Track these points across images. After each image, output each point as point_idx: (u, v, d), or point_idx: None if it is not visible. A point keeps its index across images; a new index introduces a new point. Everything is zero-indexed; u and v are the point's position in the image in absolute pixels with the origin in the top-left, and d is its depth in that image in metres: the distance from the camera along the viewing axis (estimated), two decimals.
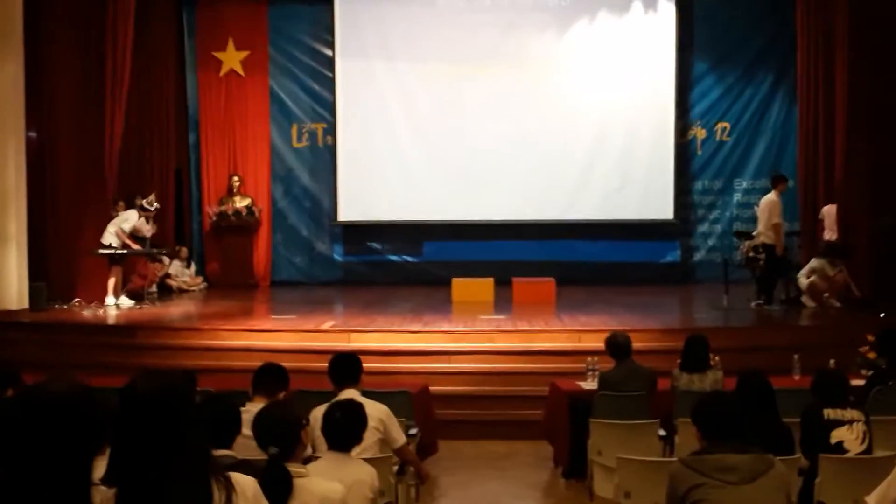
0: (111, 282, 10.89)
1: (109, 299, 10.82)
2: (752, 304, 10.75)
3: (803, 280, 10.68)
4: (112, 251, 10.81)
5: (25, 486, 1.87)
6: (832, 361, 6.41)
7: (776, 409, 4.61)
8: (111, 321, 9.97)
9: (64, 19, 11.22)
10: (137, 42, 11.51)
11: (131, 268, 11.47)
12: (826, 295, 10.60)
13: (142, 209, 11.05)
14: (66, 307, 10.75)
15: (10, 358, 8.06)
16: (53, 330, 9.58)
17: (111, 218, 11.04)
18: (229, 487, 2.13)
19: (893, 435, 5.00)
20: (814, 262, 10.69)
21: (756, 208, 11.51)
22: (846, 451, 4.39)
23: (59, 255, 11.22)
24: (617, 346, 6.14)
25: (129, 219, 10.96)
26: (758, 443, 3.37)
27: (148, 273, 11.53)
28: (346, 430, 3.82)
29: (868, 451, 4.43)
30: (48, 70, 11.08)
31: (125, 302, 10.89)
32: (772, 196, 10.96)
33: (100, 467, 2.08)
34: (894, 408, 5.37)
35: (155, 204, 11.08)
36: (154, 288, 12.15)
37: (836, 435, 4.41)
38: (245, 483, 2.20)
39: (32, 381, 2.27)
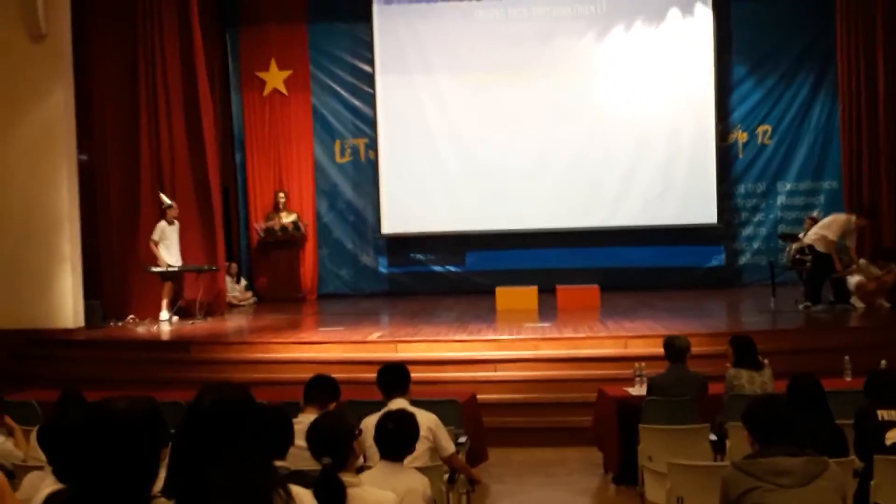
0: (164, 298, 11.12)
1: (163, 315, 11.05)
2: (800, 306, 10.61)
3: (851, 280, 10.52)
4: (161, 269, 11.03)
5: (92, 499, 1.95)
6: (883, 362, 6.32)
7: (829, 411, 4.58)
8: (165, 337, 10.18)
9: (110, 44, 11.55)
10: (182, 64, 11.78)
11: (183, 283, 11.68)
12: (876, 295, 10.43)
13: (162, 214, 11.24)
14: (120, 324, 11.00)
15: (68, 375, 8.33)
16: (109, 347, 9.81)
17: None
18: (289, 498, 2.17)
19: None
20: (860, 262, 10.52)
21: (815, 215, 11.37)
22: None
23: (112, 274, 11.51)
24: (673, 348, 6.10)
25: (155, 228, 11.17)
26: (810, 445, 3.34)
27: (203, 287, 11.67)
28: (399, 440, 3.85)
29: None
30: (97, 94, 11.41)
31: (173, 318, 11.11)
32: (846, 216, 10.58)
33: (160, 479, 2.15)
34: None
35: (167, 200, 11.24)
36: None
37: (891, 436, 4.36)
38: (303, 496, 2.25)
39: (93, 398, 2.36)
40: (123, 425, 2.04)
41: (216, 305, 11.82)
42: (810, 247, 10.69)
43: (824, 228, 10.42)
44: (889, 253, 10.48)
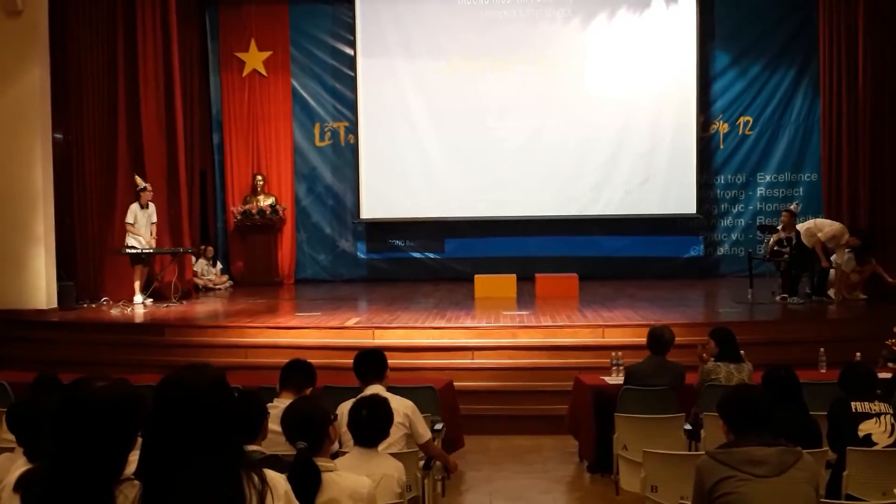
0: (136, 281, 11.01)
1: (137, 298, 10.94)
2: (777, 297, 10.70)
3: (832, 273, 10.62)
4: (136, 250, 10.92)
5: (62, 479, 1.92)
6: (858, 354, 6.38)
7: (803, 402, 4.60)
8: (139, 320, 10.08)
9: (88, 23, 11.37)
10: (161, 44, 11.63)
11: (155, 266, 11.58)
12: (854, 287, 10.52)
13: (136, 196, 11.11)
14: (94, 306, 10.89)
15: (41, 357, 8.24)
16: (82, 329, 9.71)
17: None
18: (263, 483, 2.14)
19: None
20: (845, 257, 10.59)
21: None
22: (874, 444, 4.36)
23: (86, 255, 11.38)
24: (655, 339, 6.08)
25: (129, 211, 11.03)
26: (785, 436, 3.36)
27: (174, 270, 11.59)
28: (372, 426, 3.84)
29: None
30: (73, 73, 11.23)
31: (147, 301, 11.01)
32: (842, 228, 10.68)
33: (133, 462, 2.12)
34: None
35: (142, 183, 11.10)
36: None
37: (864, 428, 4.39)
38: (277, 480, 2.22)
39: (67, 381, 2.32)
40: (102, 405, 1.99)
41: (182, 288, 11.67)
42: (790, 238, 10.79)
43: (818, 227, 10.57)
44: (869, 246, 10.56)
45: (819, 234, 10.45)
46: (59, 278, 10.66)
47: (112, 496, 1.99)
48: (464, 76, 13.98)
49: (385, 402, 3.99)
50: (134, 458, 2.13)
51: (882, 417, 4.40)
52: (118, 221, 11.18)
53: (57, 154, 10.81)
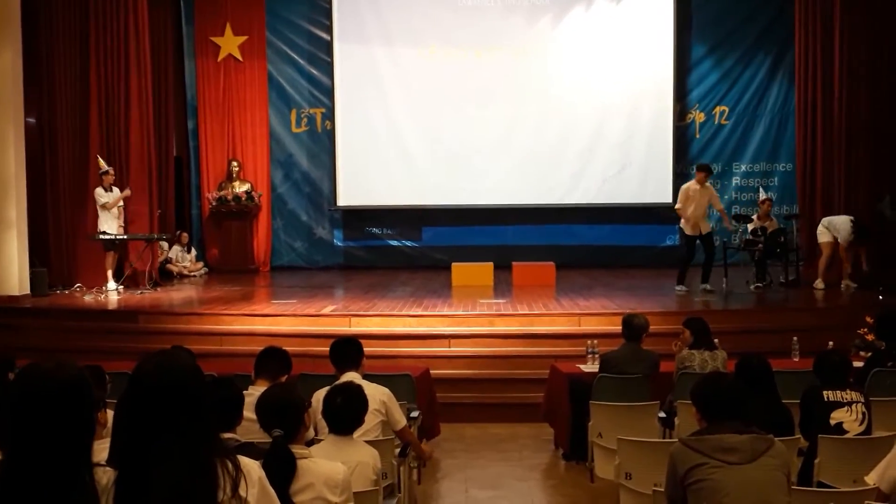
0: (108, 269, 10.91)
1: (110, 284, 10.84)
2: (752, 286, 10.79)
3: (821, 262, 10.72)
4: (110, 237, 10.81)
5: (25, 468, 1.89)
6: (830, 343, 6.44)
7: (775, 391, 4.64)
8: (112, 306, 9.99)
9: (61, 7, 11.21)
10: (135, 28, 11.50)
11: (128, 253, 11.48)
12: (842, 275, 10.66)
13: (99, 180, 10.99)
14: (67, 292, 10.78)
15: (13, 344, 8.14)
16: (55, 315, 9.62)
17: None
18: (237, 470, 2.13)
19: (892, 416, 5.03)
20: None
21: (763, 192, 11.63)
22: (845, 433, 4.41)
23: (59, 241, 11.26)
24: (629, 326, 6.12)
25: (96, 195, 10.92)
26: (757, 423, 3.38)
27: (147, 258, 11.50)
28: (347, 414, 3.82)
29: (867, 432, 4.45)
30: (46, 57, 11.09)
31: (120, 288, 10.92)
32: (847, 219, 10.77)
33: (104, 449, 2.09)
34: (893, 389, 5.40)
35: (104, 166, 10.97)
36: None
37: (836, 416, 4.44)
38: (251, 467, 2.21)
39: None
40: (51, 388, 1.95)
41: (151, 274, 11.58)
42: (763, 228, 10.89)
43: (835, 227, 10.66)
44: (863, 232, 10.63)
45: (840, 240, 10.58)
46: (32, 264, 10.55)
47: (86, 483, 1.96)
48: (442, 63, 13.93)
49: (359, 389, 3.97)
50: (105, 444, 2.10)
51: (853, 406, 4.45)
52: (91, 207, 11.07)
53: (29, 138, 10.66)
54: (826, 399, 4.47)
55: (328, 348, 5.05)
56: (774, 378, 4.68)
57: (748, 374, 4.54)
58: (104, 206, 10.82)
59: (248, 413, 3.68)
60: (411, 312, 9.07)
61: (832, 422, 4.42)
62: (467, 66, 13.89)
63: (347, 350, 4.98)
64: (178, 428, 2.06)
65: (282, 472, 3.05)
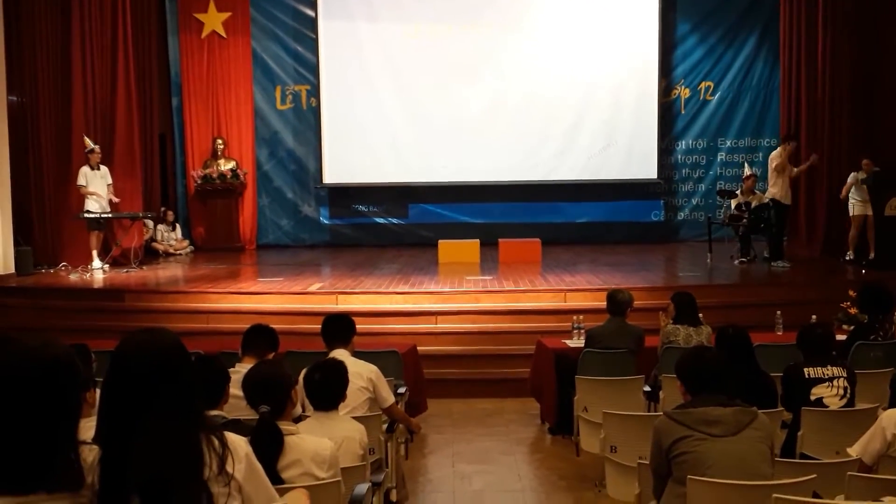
0: (93, 249, 10.84)
1: (95, 263, 10.79)
2: (736, 261, 10.86)
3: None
4: (94, 216, 10.74)
5: (10, 447, 1.87)
6: (814, 317, 6.50)
7: (756, 363, 4.69)
8: (98, 285, 9.95)
9: None
10: (118, 4, 11.35)
11: (115, 231, 11.42)
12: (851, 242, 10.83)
13: (85, 159, 10.91)
14: (52, 271, 10.72)
15: None
16: (40, 294, 9.59)
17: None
18: (223, 447, 2.13)
19: (874, 388, 5.10)
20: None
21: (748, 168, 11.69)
22: (826, 408, 4.45)
23: (43, 219, 11.17)
24: (614, 301, 6.17)
25: (79, 173, 10.82)
26: (740, 396, 3.42)
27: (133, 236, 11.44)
28: (325, 390, 3.82)
29: (849, 405, 4.49)
30: (28, 34, 10.93)
31: (105, 266, 10.86)
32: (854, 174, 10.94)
33: (92, 427, 2.10)
34: (875, 362, 5.47)
35: (90, 144, 10.89)
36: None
37: (816, 392, 4.48)
38: (238, 443, 2.22)
39: None
40: (37, 367, 1.92)
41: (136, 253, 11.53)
42: (748, 203, 10.93)
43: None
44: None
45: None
46: (17, 243, 10.47)
47: (71, 461, 1.95)
48: (427, 40, 13.85)
49: (339, 364, 3.96)
50: (92, 423, 2.10)
51: (835, 381, 4.48)
52: (75, 185, 10.98)
53: (11, 116, 10.55)
54: (807, 376, 4.50)
55: (316, 326, 5.06)
56: (753, 349, 4.72)
57: (726, 344, 4.58)
58: (83, 187, 10.72)
59: (235, 390, 3.69)
60: (398, 289, 9.09)
61: (812, 397, 4.46)
62: (453, 43, 13.81)
63: (338, 327, 5.00)
64: (161, 405, 2.06)
65: (269, 448, 3.07)
